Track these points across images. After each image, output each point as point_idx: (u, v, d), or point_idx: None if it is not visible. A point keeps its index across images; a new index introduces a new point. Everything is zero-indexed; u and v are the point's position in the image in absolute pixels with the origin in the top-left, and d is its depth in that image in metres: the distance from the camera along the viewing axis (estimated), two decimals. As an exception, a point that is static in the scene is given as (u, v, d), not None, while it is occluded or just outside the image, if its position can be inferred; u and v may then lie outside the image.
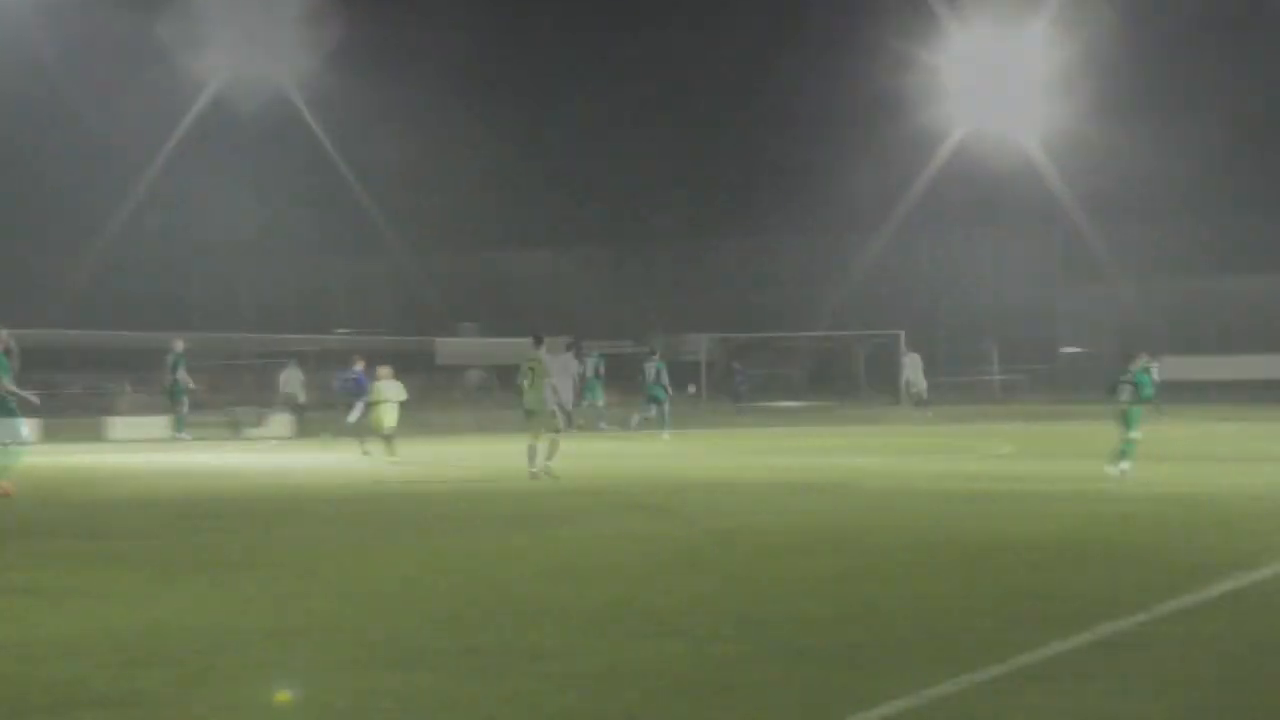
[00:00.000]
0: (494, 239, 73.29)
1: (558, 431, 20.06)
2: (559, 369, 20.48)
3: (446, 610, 9.55)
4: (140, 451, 28.01)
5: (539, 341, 20.66)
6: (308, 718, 6.96)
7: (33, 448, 20.06)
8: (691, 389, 47.52)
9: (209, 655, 8.16)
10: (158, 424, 33.59)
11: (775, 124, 68.48)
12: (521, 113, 72.60)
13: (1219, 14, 60.61)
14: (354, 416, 28.77)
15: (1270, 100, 62.85)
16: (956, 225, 65.73)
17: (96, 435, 32.11)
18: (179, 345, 33.24)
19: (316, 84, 64.48)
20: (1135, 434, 19.30)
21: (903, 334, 54.11)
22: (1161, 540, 12.62)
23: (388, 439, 24.97)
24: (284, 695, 7.31)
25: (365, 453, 25.16)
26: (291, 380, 41.71)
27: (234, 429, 34.43)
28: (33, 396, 20.08)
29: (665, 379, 33.35)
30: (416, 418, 31.20)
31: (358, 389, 28.56)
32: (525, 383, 20.15)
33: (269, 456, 26.70)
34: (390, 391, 25.39)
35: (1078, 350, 62.26)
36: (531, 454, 19.88)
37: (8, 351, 18.45)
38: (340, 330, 66.96)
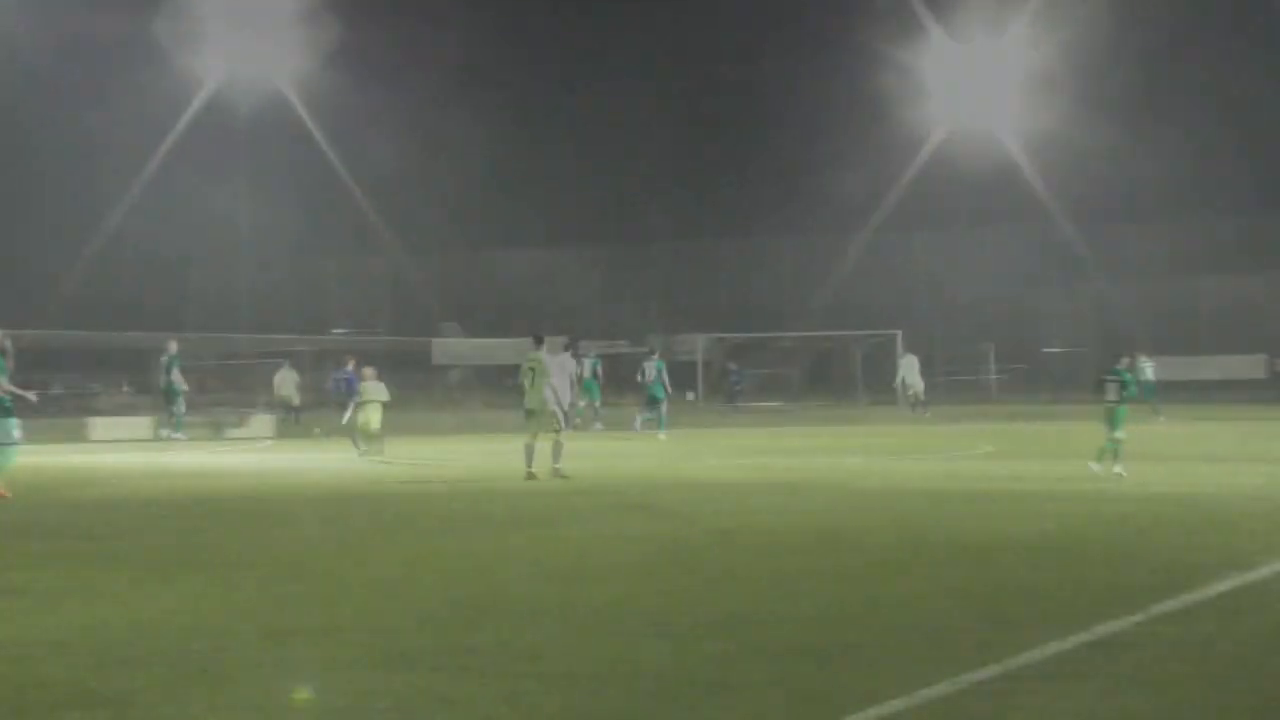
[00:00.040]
0: (490, 239, 73.27)
1: (558, 431, 20.02)
2: (557, 369, 20.43)
3: (443, 610, 9.54)
4: (129, 452, 28.02)
5: (539, 341, 20.63)
6: (305, 717, 6.96)
7: (22, 448, 20.00)
8: (690, 396, 47.55)
9: (205, 655, 8.15)
10: (139, 424, 33.65)
11: (771, 124, 68.54)
12: (517, 113, 72.61)
13: (1203, 16, 60.84)
14: (348, 417, 28.81)
15: (1252, 101, 63.02)
16: (944, 225, 65.86)
17: (78, 436, 32.14)
18: (173, 347, 33.22)
19: (312, 84, 64.42)
20: (1120, 434, 19.38)
21: (900, 334, 54.15)
22: (1158, 540, 12.62)
23: (374, 439, 25.09)
24: (283, 695, 7.31)
25: (363, 453, 25.19)
26: (286, 381, 41.71)
27: (215, 429, 34.47)
28: (31, 395, 20.08)
29: (665, 378, 33.33)
30: (415, 418, 31.23)
31: (349, 389, 28.59)
32: (526, 383, 20.12)
33: (266, 457, 26.69)
34: (374, 392, 25.53)
35: (1059, 350, 62.39)
36: (529, 454, 19.86)
37: (3, 351, 18.44)
38: (337, 330, 66.98)
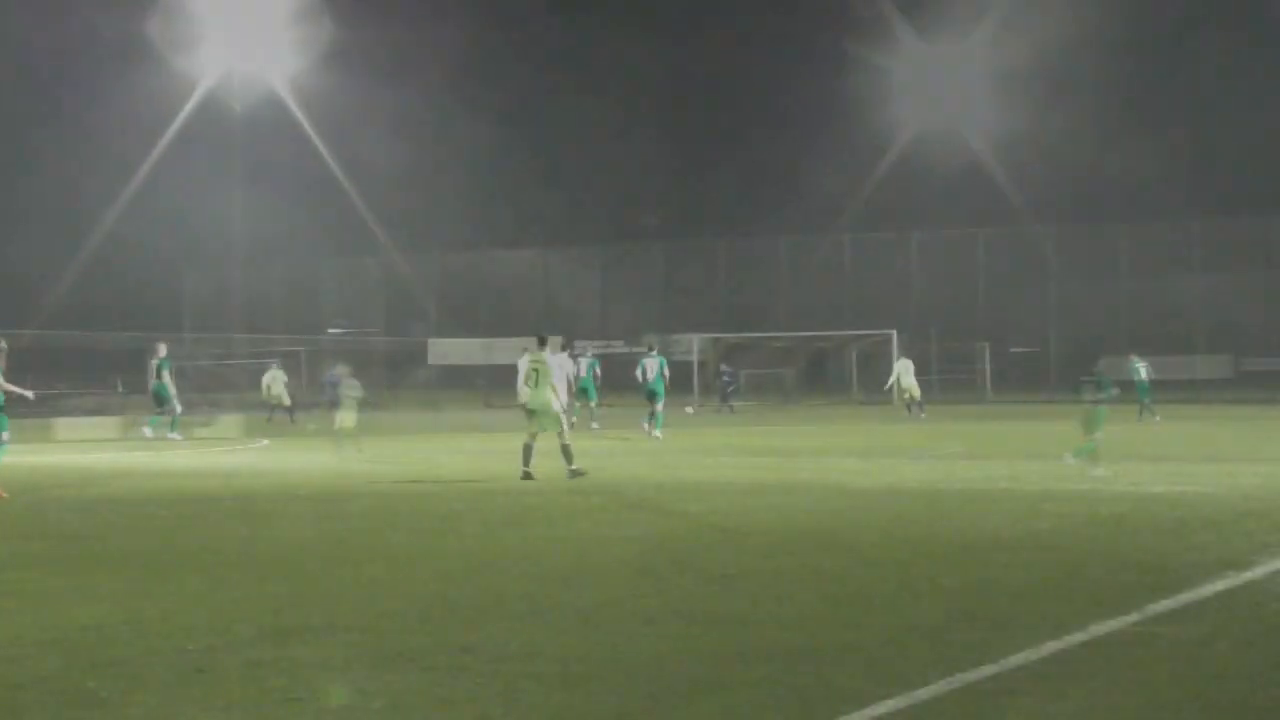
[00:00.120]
0: (485, 239, 73.27)
1: (562, 432, 19.99)
2: (555, 369, 20.43)
3: (439, 609, 9.54)
4: (124, 452, 27.99)
5: (542, 342, 20.60)
6: (301, 717, 6.96)
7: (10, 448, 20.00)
8: (689, 410, 47.53)
9: (201, 655, 8.16)
10: (106, 425, 33.72)
11: (769, 124, 68.62)
12: (514, 113, 72.63)
13: (1171, 18, 61.18)
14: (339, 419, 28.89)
15: (1220, 103, 63.30)
16: (943, 224, 66.02)
17: (43, 436, 32.24)
18: (162, 349, 33.17)
19: (308, 84, 64.40)
20: (1098, 434, 19.51)
21: (895, 333, 54.22)
22: (1153, 540, 12.62)
23: (348, 437, 25.26)
24: (279, 695, 7.31)
25: (359, 450, 25.22)
26: (275, 381, 41.72)
27: (183, 429, 34.52)
28: (29, 394, 20.09)
29: (667, 373, 33.30)
30: (410, 417, 31.21)
31: (335, 391, 28.69)
32: (530, 383, 20.09)
33: (263, 457, 26.67)
34: (348, 390, 25.72)
35: (1027, 350, 62.60)
36: (527, 453, 19.86)
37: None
38: (333, 330, 66.93)
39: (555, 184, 73.16)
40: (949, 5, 62.28)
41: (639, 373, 33.85)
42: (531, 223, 73.72)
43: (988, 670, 7.60)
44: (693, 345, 59.28)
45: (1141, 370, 38.04)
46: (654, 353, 34.27)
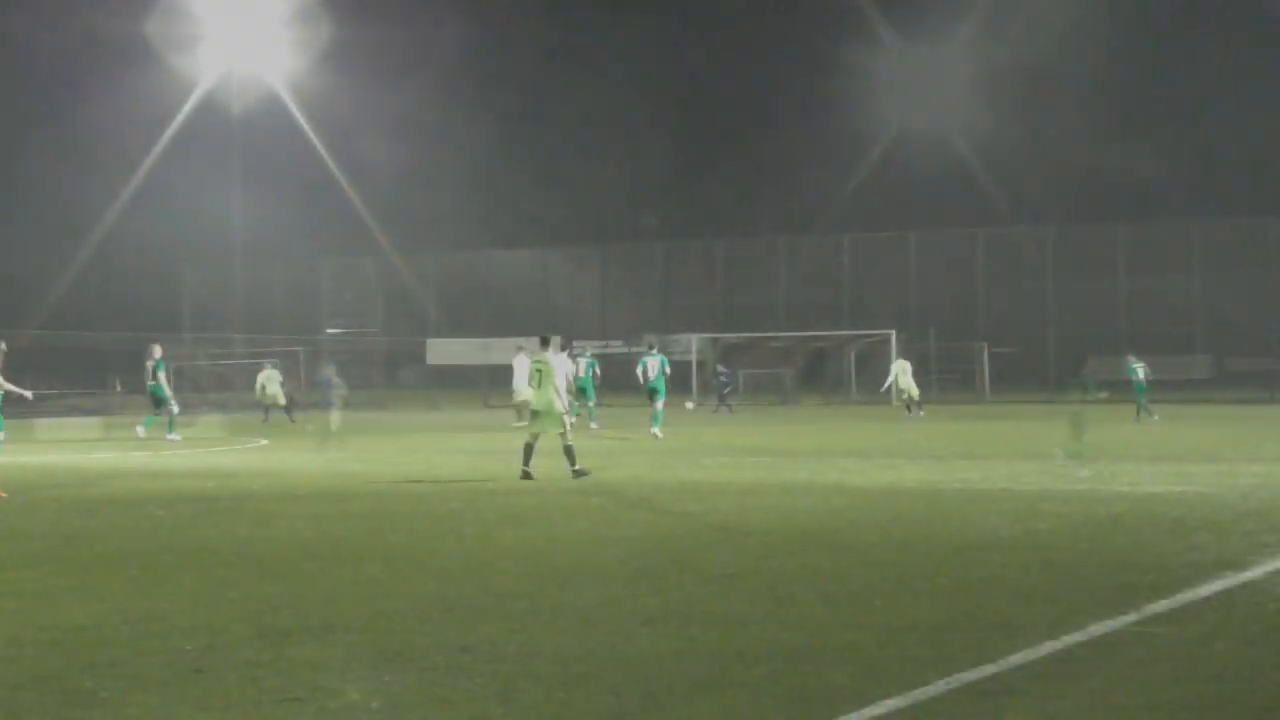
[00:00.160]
0: (484, 239, 73.29)
1: (564, 432, 19.98)
2: (558, 369, 20.44)
3: (437, 609, 9.54)
4: (120, 451, 27.98)
5: (546, 342, 20.59)
6: (299, 717, 6.95)
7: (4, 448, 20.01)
8: (689, 405, 47.61)
9: (199, 655, 8.15)
10: (86, 425, 33.77)
11: (768, 125, 68.63)
12: (513, 113, 72.66)
13: (1171, 18, 61.40)
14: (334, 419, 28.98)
15: (1201, 105, 63.50)
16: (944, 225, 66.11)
17: (22, 436, 32.27)
18: (156, 351, 33.13)
19: (307, 84, 64.38)
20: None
21: (894, 333, 54.25)
22: (1152, 540, 12.62)
23: (329, 435, 25.36)
24: (277, 695, 7.30)
25: (341, 449, 25.28)
26: (270, 381, 41.74)
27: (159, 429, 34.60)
28: (27, 394, 20.08)
29: (669, 371, 33.24)
30: (412, 416, 31.23)
31: (328, 391, 28.77)
32: (534, 384, 20.09)
33: (260, 457, 26.67)
34: (336, 389, 25.88)
35: (1025, 350, 62.64)
36: (527, 452, 19.86)
37: (-3, 352, 18.44)
38: (332, 330, 66.92)
39: (554, 184, 73.17)
40: (949, 5, 62.33)
41: (640, 371, 33.81)
42: (530, 223, 73.73)
43: (986, 670, 7.60)
44: (691, 345, 59.29)
45: (1139, 370, 38.03)
46: (655, 351, 34.28)
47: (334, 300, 72.73)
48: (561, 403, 19.99)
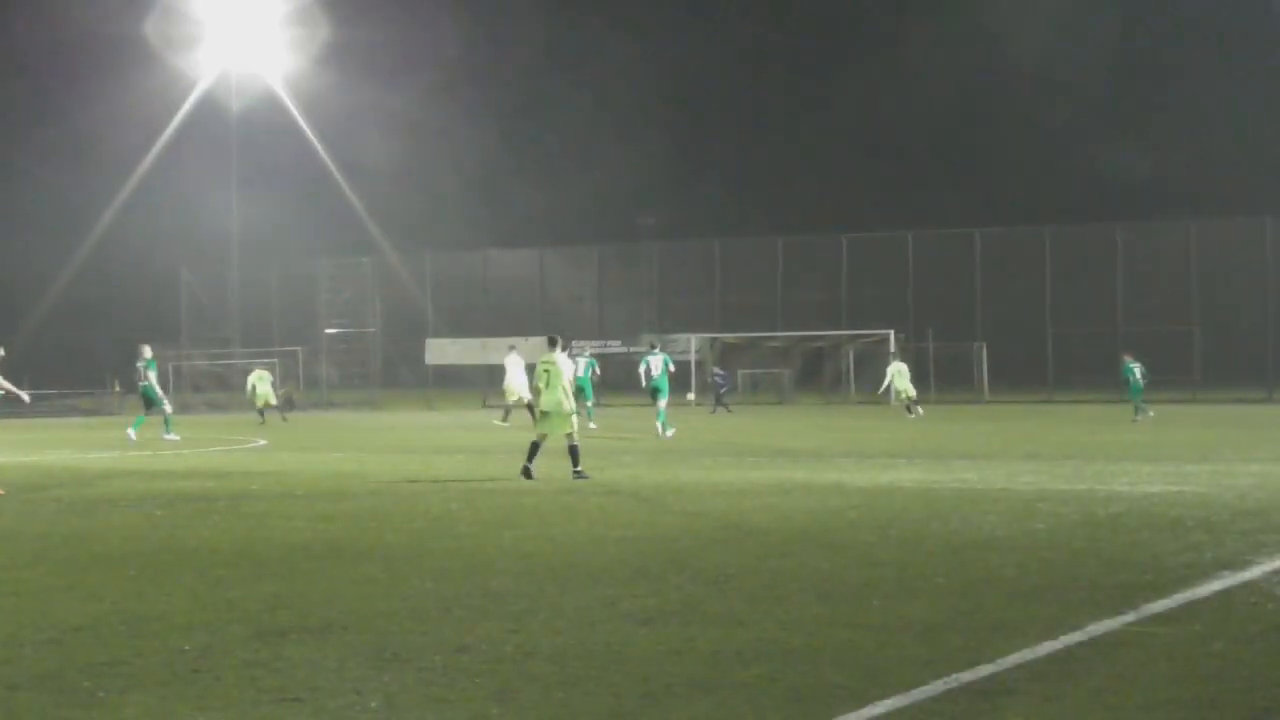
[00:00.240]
0: (483, 238, 73.30)
1: (571, 432, 19.96)
2: (565, 370, 20.42)
3: (435, 609, 9.54)
4: (108, 451, 27.99)
5: (554, 343, 20.58)
6: (297, 717, 6.95)
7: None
8: (690, 397, 47.66)
9: (197, 655, 8.15)
10: (71, 426, 33.84)
11: (766, 125, 68.63)
12: (511, 113, 72.67)
13: (1171, 17, 61.50)
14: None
15: (1221, 104, 63.56)
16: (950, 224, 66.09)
17: (21, 438, 32.40)
18: (147, 351, 33.12)
19: (306, 84, 64.33)
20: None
21: (892, 334, 54.25)
22: (1150, 540, 12.62)
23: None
24: (275, 695, 7.30)
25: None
26: (261, 381, 41.78)
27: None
28: (25, 395, 20.08)
29: (672, 368, 33.19)
30: (410, 416, 31.21)
31: None
32: (541, 384, 20.10)
33: (258, 457, 26.68)
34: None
35: (1023, 350, 62.68)
36: (532, 451, 19.87)
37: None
38: (330, 330, 66.85)
39: (552, 184, 73.18)
40: (949, 5, 62.35)
41: (643, 371, 33.78)
42: (528, 223, 73.73)
43: (984, 670, 7.60)
44: (690, 345, 59.28)
45: (1135, 371, 38.09)
46: (657, 350, 34.26)
47: (332, 300, 72.70)
48: (570, 403, 20.00)
